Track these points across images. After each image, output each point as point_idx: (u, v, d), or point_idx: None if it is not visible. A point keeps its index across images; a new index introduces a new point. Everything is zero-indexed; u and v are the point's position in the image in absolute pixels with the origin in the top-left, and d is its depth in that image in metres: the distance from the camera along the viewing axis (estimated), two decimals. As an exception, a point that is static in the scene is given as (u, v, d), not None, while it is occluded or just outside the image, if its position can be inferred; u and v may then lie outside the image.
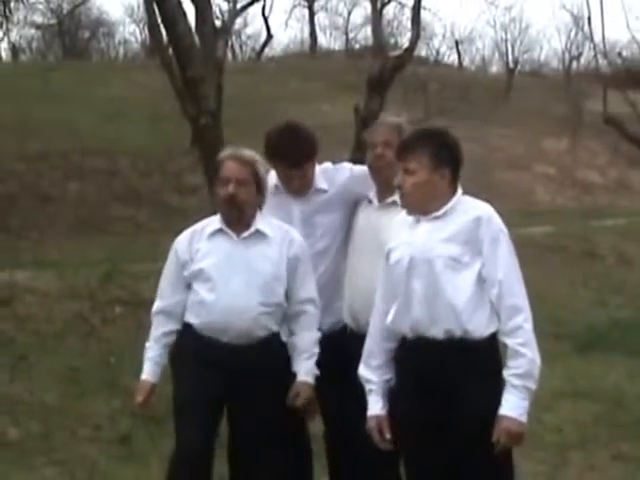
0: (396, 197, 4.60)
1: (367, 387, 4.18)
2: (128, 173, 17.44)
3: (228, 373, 4.46)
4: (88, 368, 8.13)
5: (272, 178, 4.95)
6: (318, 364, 4.70)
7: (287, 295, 4.61)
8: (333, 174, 4.93)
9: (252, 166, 4.57)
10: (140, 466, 6.20)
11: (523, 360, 3.90)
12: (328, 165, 5.03)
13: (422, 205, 4.07)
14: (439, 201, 4.07)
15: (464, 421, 3.90)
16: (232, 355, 4.46)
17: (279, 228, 4.65)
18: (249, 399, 4.49)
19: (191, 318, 4.56)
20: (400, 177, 4.07)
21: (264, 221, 4.62)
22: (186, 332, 4.60)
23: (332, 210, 4.89)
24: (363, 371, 4.20)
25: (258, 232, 4.58)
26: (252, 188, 4.56)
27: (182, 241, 4.66)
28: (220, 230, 4.59)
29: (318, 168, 4.93)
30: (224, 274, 4.49)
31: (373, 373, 4.16)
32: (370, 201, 4.84)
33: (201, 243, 4.57)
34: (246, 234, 4.56)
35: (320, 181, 4.90)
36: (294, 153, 4.77)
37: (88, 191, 16.48)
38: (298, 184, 4.86)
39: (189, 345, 4.57)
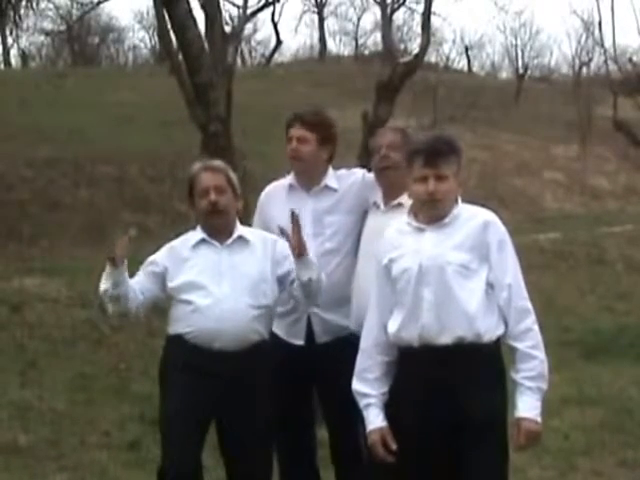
0: (402, 199, 4.64)
1: (364, 401, 4.11)
2: (137, 180, 17.46)
3: (220, 380, 4.48)
4: (97, 374, 8.18)
5: (287, 179, 5.07)
6: (321, 371, 4.79)
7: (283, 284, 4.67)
8: (344, 176, 5.04)
9: (225, 173, 4.68)
10: (149, 472, 6.19)
11: (535, 362, 3.95)
12: (341, 170, 5.13)
13: (449, 211, 4.06)
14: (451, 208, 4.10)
15: (473, 425, 3.91)
16: (223, 362, 4.47)
17: (258, 233, 4.76)
18: (241, 405, 4.51)
19: (180, 328, 4.57)
20: (431, 184, 4.00)
21: (244, 228, 4.72)
22: (174, 344, 4.61)
23: (342, 212, 4.97)
24: (358, 386, 4.14)
25: (240, 238, 4.65)
26: (230, 194, 4.65)
27: (159, 254, 4.71)
28: (203, 240, 4.65)
29: (331, 171, 5.03)
30: (214, 281, 4.53)
31: (370, 387, 4.10)
32: (378, 206, 4.87)
33: (186, 254, 4.62)
34: (229, 241, 4.63)
35: (330, 179, 5.01)
36: (308, 113, 5.02)
37: (98, 198, 16.51)
38: (295, 148, 4.92)
39: (178, 356, 4.58)
